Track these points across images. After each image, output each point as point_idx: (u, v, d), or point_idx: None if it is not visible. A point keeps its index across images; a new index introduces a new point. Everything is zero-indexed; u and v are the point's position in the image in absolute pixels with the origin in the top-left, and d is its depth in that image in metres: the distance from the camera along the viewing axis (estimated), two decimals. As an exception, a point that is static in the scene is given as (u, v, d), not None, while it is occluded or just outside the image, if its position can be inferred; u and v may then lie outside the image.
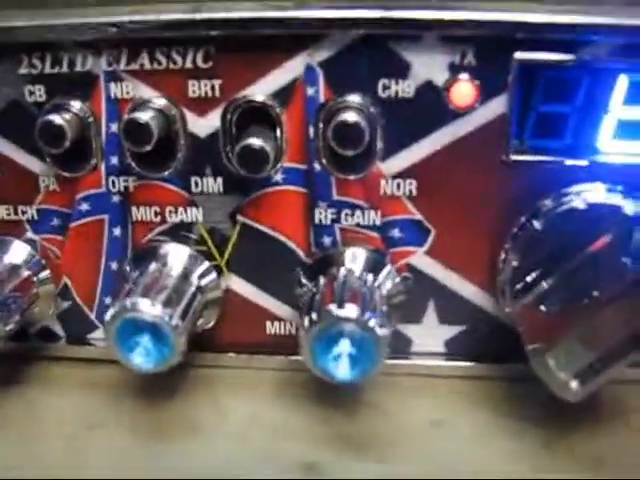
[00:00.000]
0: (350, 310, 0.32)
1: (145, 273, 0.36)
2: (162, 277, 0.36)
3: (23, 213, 0.39)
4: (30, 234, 0.39)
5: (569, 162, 0.35)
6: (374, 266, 0.37)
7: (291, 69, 0.34)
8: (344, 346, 0.32)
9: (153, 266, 0.37)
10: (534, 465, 0.33)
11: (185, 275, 0.37)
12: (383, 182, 0.36)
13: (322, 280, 0.36)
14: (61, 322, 0.41)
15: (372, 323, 0.32)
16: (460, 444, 0.34)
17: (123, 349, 0.34)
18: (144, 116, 0.34)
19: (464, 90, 0.34)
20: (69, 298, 0.40)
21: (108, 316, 0.34)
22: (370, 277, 0.36)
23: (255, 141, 0.34)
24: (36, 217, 0.39)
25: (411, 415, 0.36)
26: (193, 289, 0.36)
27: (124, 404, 0.38)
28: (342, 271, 0.36)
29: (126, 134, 0.34)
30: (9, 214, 0.39)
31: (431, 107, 0.34)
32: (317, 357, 0.33)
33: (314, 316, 0.33)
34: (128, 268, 0.38)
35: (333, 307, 0.33)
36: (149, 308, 0.33)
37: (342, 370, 0.33)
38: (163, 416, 0.37)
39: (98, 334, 0.41)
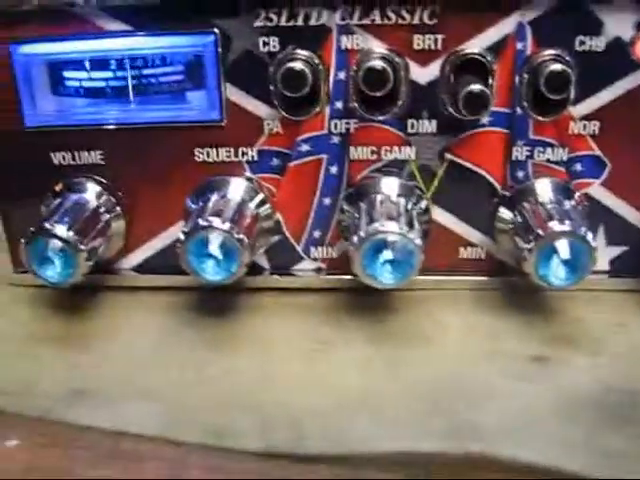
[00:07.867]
0: (567, 225, 0.39)
1: (374, 204, 0.41)
2: (390, 205, 0.41)
3: (243, 154, 0.43)
4: (248, 174, 0.43)
5: None
6: (561, 196, 0.43)
7: (505, 26, 0.40)
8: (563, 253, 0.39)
9: (379, 197, 0.42)
10: None
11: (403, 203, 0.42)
12: (572, 123, 0.42)
13: (526, 206, 0.42)
14: (267, 255, 0.45)
15: (584, 234, 0.39)
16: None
17: (370, 264, 0.39)
18: (381, 64, 0.39)
19: (646, 45, 0.41)
20: (279, 233, 0.45)
21: (355, 240, 0.39)
22: (567, 202, 0.42)
23: (479, 87, 0.40)
24: (256, 158, 0.43)
25: (597, 319, 0.43)
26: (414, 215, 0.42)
27: (347, 322, 0.43)
28: (544, 197, 0.42)
29: (364, 80, 0.39)
30: (229, 156, 0.43)
31: (617, 59, 0.41)
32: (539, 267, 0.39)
33: (533, 236, 0.39)
34: (346, 203, 0.43)
35: (553, 224, 0.39)
36: (395, 228, 0.39)
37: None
38: (394, 331, 0.42)
39: (303, 265, 0.45)
